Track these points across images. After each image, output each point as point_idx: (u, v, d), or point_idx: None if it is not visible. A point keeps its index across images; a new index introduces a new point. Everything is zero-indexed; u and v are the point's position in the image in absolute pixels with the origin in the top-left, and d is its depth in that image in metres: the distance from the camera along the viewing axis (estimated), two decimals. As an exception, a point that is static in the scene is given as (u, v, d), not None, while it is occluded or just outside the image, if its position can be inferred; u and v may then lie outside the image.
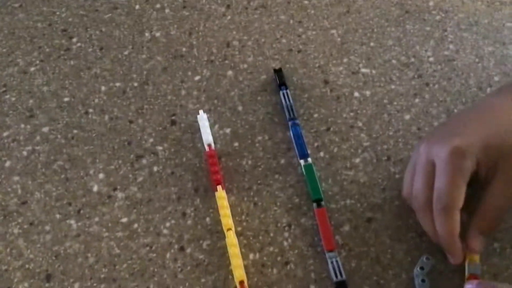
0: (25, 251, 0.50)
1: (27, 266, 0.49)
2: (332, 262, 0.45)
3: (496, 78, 0.59)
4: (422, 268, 0.44)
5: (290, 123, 0.56)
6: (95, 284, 0.47)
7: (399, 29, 0.65)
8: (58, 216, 0.52)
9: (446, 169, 0.40)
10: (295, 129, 0.55)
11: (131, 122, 0.60)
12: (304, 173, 0.52)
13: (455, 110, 0.56)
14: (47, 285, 0.47)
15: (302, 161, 0.53)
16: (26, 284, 0.47)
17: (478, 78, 0.59)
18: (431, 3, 0.67)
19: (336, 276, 0.44)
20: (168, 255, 0.48)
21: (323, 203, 0.49)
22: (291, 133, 0.55)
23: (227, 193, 0.52)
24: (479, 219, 0.42)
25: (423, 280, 0.43)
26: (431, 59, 0.62)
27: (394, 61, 0.62)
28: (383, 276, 0.45)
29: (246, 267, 0.47)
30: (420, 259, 0.45)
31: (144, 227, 0.51)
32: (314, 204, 0.49)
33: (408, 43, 0.63)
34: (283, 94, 0.58)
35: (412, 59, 0.62)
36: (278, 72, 0.61)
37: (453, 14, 0.65)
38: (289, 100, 0.57)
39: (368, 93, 0.59)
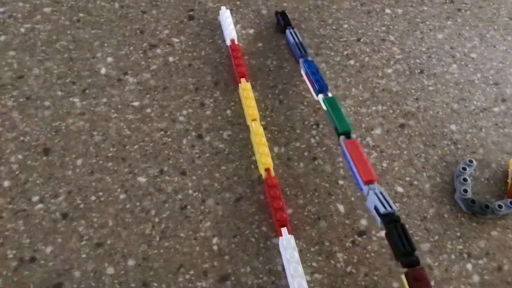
0: (20, 124, 0.44)
1: (21, 138, 0.43)
2: (377, 195, 0.36)
3: (527, 12, 0.58)
4: (464, 168, 0.41)
5: (301, 60, 0.48)
6: (101, 162, 0.42)
7: (430, -42, 0.63)
8: (59, 93, 0.46)
9: None
10: (309, 65, 0.46)
11: (144, 12, 0.54)
12: (327, 107, 0.43)
13: (488, 35, 0.55)
14: (44, 158, 0.42)
15: (321, 96, 0.44)
16: (20, 156, 0.42)
17: (509, 9, 0.58)
18: None
19: (385, 207, 0.36)
20: (184, 141, 0.44)
21: (353, 135, 0.41)
22: (304, 70, 0.47)
23: (253, 88, 0.47)
24: None
25: (465, 179, 0.41)
26: (462, -12, 0.60)
27: (426, -14, 0.59)
28: (417, 178, 0.42)
29: (271, 159, 0.43)
30: (462, 161, 0.42)
31: (158, 112, 0.46)
32: (342, 137, 0.41)
33: (440, -29, 0.61)
34: (290, 33, 0.50)
35: (444, -14, 0.60)
36: (282, 14, 0.53)
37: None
38: (297, 38, 0.50)
39: (400, 11, 0.56)
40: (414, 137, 0.45)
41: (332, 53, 0.52)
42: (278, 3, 0.56)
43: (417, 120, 0.47)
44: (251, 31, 0.54)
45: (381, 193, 0.36)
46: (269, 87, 0.49)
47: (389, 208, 0.35)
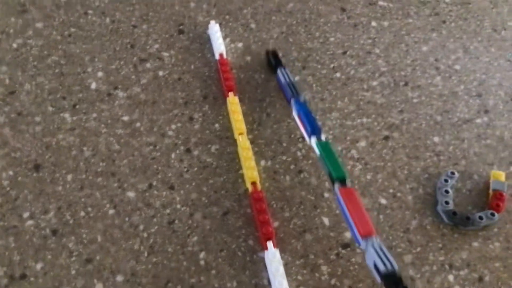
0: (11, 140, 0.45)
1: (12, 154, 0.44)
2: (376, 250, 0.34)
3: (510, 23, 0.59)
4: (446, 180, 0.42)
5: (292, 100, 0.46)
6: (90, 177, 0.42)
7: (416, -29, 0.64)
8: (50, 108, 0.47)
9: None
10: (301, 106, 0.44)
11: (134, 26, 0.55)
12: (320, 152, 0.41)
13: (471, 47, 0.56)
14: (35, 174, 0.42)
15: (313, 139, 0.42)
16: (10, 172, 0.42)
17: (493, 21, 0.59)
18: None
19: (386, 266, 0.33)
20: (173, 155, 0.45)
21: (348, 182, 0.39)
22: (296, 112, 0.44)
23: (240, 101, 0.48)
24: None
25: (446, 191, 0.42)
26: (447, 0, 0.61)
27: (412, -1, 0.61)
28: (400, 190, 0.43)
29: (258, 172, 0.44)
30: (444, 173, 0.43)
31: (148, 126, 0.47)
32: (336, 185, 0.38)
33: (425, -17, 0.62)
34: (281, 73, 0.48)
35: (429, -2, 0.61)
36: (273, 53, 0.51)
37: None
38: (288, 77, 0.48)
39: (385, 23, 0.57)
40: (398, 149, 0.46)
41: (319, 66, 0.53)
42: (266, 17, 0.57)
43: (401, 132, 0.48)
44: (240, 44, 0.55)
45: (381, 249, 0.34)
46: (257, 100, 0.50)
47: (390, 267, 0.33)
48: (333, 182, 0.39)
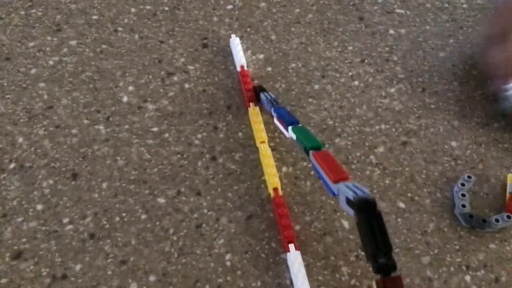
0: (51, 151, 0.48)
1: (52, 164, 0.47)
2: (347, 186, 0.31)
3: (529, 27, 0.59)
4: (463, 184, 0.44)
5: (272, 109, 0.46)
6: (124, 185, 0.46)
7: (433, -22, 0.65)
8: (86, 121, 0.51)
9: None
10: (279, 110, 0.45)
11: (161, 42, 0.59)
12: (296, 134, 0.41)
13: (489, 52, 0.57)
14: (73, 183, 0.46)
15: (290, 128, 0.42)
16: (51, 181, 0.46)
17: (511, 26, 0.60)
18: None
19: (356, 194, 0.30)
20: (199, 163, 0.47)
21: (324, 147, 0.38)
22: (276, 116, 0.45)
23: (260, 111, 0.51)
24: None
25: (463, 195, 0.43)
26: (464, 5, 0.62)
27: (428, 5, 0.62)
28: (418, 193, 0.45)
29: (279, 178, 0.46)
30: (461, 177, 0.44)
31: (175, 136, 0.49)
32: (311, 152, 0.38)
33: (442, -10, 0.63)
34: (264, 95, 0.49)
35: (446, 5, 0.62)
36: (260, 88, 0.51)
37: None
38: (269, 96, 0.48)
39: (403, 31, 0.59)
40: (416, 154, 0.48)
41: (338, 75, 0.55)
42: (285, 29, 0.60)
43: (418, 137, 0.49)
44: (261, 56, 0.57)
45: (354, 184, 0.31)
46: (278, 109, 0.52)
47: (360, 193, 0.30)
48: (308, 155, 0.38)
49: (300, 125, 0.43)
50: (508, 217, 0.41)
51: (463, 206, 0.42)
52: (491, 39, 0.50)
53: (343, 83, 0.54)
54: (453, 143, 0.48)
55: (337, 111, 0.52)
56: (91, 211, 0.44)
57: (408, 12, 0.61)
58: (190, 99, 0.53)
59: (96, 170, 0.47)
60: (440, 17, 0.60)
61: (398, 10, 0.61)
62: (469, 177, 0.44)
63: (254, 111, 0.50)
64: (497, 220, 0.41)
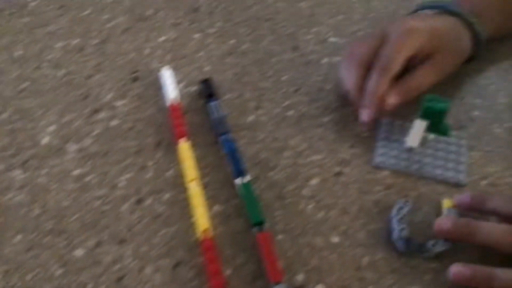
0: (-40, 202, 0.44)
1: (-40, 217, 0.43)
2: None
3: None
4: (400, 209, 0.43)
5: (222, 138, 0.47)
6: (39, 236, 0.42)
7: (365, 6, 0.66)
8: (0, 167, 0.47)
9: (395, 40, 0.47)
10: (229, 144, 0.47)
11: (88, 77, 0.56)
12: (242, 193, 0.44)
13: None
14: (-17, 237, 0.42)
15: (239, 180, 0.44)
16: (-42, 236, 0.42)
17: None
18: (396, -16, 0.69)
19: None
20: (124, 208, 0.44)
21: (265, 225, 0.42)
22: (226, 151, 0.47)
23: (192, 146, 0.49)
24: (402, 83, 0.48)
25: (401, 219, 0.42)
26: (397, 32, 0.63)
27: (361, 33, 0.62)
28: (352, 226, 0.43)
29: (210, 218, 0.43)
30: (398, 202, 0.43)
31: (98, 179, 0.46)
32: (255, 228, 0.41)
33: (374, 17, 0.64)
34: (212, 106, 0.49)
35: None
36: (206, 82, 0.51)
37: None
38: (218, 113, 0.49)
39: (336, 59, 0.59)
40: (349, 184, 0.47)
41: (272, 105, 0.54)
42: (220, 59, 0.58)
43: (351, 167, 0.48)
44: (194, 88, 0.55)
45: None
46: (211, 143, 0.50)
47: None
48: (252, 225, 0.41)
49: (248, 179, 0.44)
50: (445, 240, 0.41)
51: (401, 230, 0.41)
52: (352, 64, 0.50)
53: (277, 113, 0.53)
54: (386, 172, 0.47)
55: (271, 143, 0.50)
56: (2, 268, 0.40)
57: (341, 41, 0.61)
58: (117, 137, 0.50)
59: (9, 221, 0.43)
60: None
61: (331, 39, 0.61)
62: (406, 201, 0.43)
63: (184, 147, 0.48)
64: (434, 245, 0.40)
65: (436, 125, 0.48)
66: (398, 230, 0.42)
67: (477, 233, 0.39)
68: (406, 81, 0.48)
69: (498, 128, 0.51)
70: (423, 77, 0.49)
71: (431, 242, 0.41)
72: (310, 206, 0.45)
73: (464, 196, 0.43)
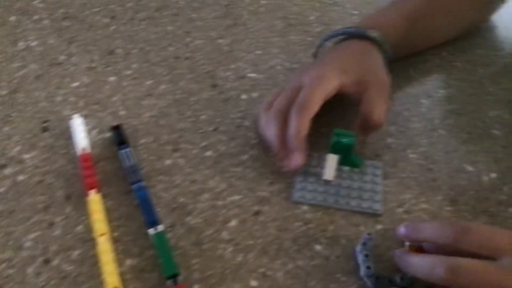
0: None
1: None
2: None
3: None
4: (364, 244, 0.42)
5: (134, 186, 0.46)
6: None
7: (283, 40, 0.67)
8: None
9: (310, 85, 0.48)
10: (142, 193, 0.46)
11: (-6, 130, 0.53)
12: (155, 244, 0.42)
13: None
14: None
15: (152, 230, 0.43)
16: None
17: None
18: (311, 17, 0.71)
19: None
20: (30, 270, 0.41)
21: (180, 277, 0.40)
22: (138, 200, 0.46)
23: (104, 197, 0.47)
24: (361, 123, 0.50)
25: (366, 255, 0.41)
26: (310, 60, 0.64)
27: (279, 67, 0.63)
28: (270, 267, 0.42)
29: (123, 273, 0.41)
30: (362, 236, 0.43)
31: (3, 241, 0.43)
32: (169, 281, 0.40)
33: (291, 51, 0.65)
34: (124, 153, 0.48)
35: (296, 65, 0.63)
36: (117, 128, 0.51)
37: (333, 26, 0.69)
38: (130, 161, 0.48)
39: (255, 95, 0.59)
40: (268, 223, 0.46)
41: (190, 147, 0.53)
42: (136, 102, 0.57)
43: (271, 205, 0.48)
44: (108, 135, 0.53)
45: None
46: (124, 192, 0.48)
47: None
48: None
49: (161, 229, 0.42)
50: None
51: (368, 268, 0.41)
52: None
53: (195, 155, 0.52)
54: (304, 207, 0.47)
55: (189, 186, 0.49)
56: None
57: (260, 76, 0.61)
58: (24, 194, 0.47)
59: None
60: (290, 76, 0.62)
61: (250, 75, 0.61)
62: (369, 234, 0.43)
63: (93, 199, 0.46)
64: (402, 278, 0.40)
65: (347, 158, 0.49)
66: (365, 268, 0.41)
67: (408, 267, 0.40)
68: (359, 119, 0.50)
69: (413, 153, 0.53)
70: (376, 110, 0.49)
71: (399, 276, 0.40)
72: (228, 250, 0.44)
73: (400, 227, 0.42)
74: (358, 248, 0.43)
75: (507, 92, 0.60)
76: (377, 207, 0.47)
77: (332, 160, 0.47)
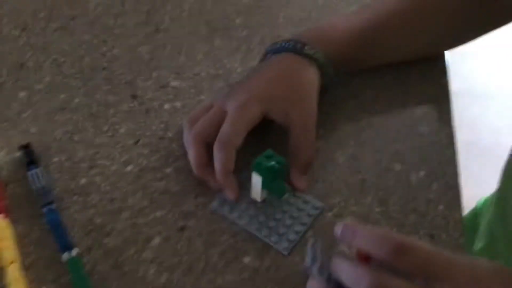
0: None
1: None
2: None
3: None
4: (314, 258, 0.38)
5: (44, 209, 0.44)
6: None
7: (207, 45, 0.65)
8: None
9: (233, 116, 0.47)
10: (53, 216, 0.43)
11: None
12: (70, 269, 0.40)
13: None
14: None
15: (66, 255, 0.41)
16: None
17: None
18: (237, 21, 0.70)
19: None
20: None
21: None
22: (48, 223, 0.43)
23: (14, 222, 0.43)
24: (293, 160, 0.48)
25: (320, 268, 0.37)
26: (239, 69, 0.63)
27: (203, 74, 0.61)
28: (197, 286, 0.40)
29: (32, 308, 0.38)
30: (308, 249, 0.39)
31: None
32: None
33: (216, 57, 0.63)
34: (33, 175, 0.45)
35: (221, 71, 0.62)
36: (25, 148, 0.48)
37: (257, 30, 0.68)
38: (40, 182, 0.45)
39: (178, 104, 0.57)
40: (194, 238, 0.44)
41: (108, 163, 0.50)
42: (48, 118, 0.53)
43: (196, 218, 0.46)
44: (17, 154, 0.49)
45: None
46: (35, 216, 0.44)
47: None
48: None
49: (75, 253, 0.40)
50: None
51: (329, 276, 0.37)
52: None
53: (114, 171, 0.49)
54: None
55: (106, 205, 0.46)
56: None
57: (183, 84, 0.59)
58: None
59: None
60: (216, 84, 0.60)
61: (173, 83, 0.59)
62: (312, 244, 0.39)
63: (1, 225, 0.42)
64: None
65: (269, 183, 0.44)
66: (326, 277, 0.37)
67: (337, 271, 0.37)
68: (293, 155, 0.48)
69: (341, 155, 0.53)
70: (298, 140, 0.48)
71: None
72: (151, 271, 0.41)
73: (339, 226, 0.38)
74: (307, 262, 0.39)
75: (432, 89, 0.61)
76: (285, 246, 0.43)
77: (255, 181, 0.44)
